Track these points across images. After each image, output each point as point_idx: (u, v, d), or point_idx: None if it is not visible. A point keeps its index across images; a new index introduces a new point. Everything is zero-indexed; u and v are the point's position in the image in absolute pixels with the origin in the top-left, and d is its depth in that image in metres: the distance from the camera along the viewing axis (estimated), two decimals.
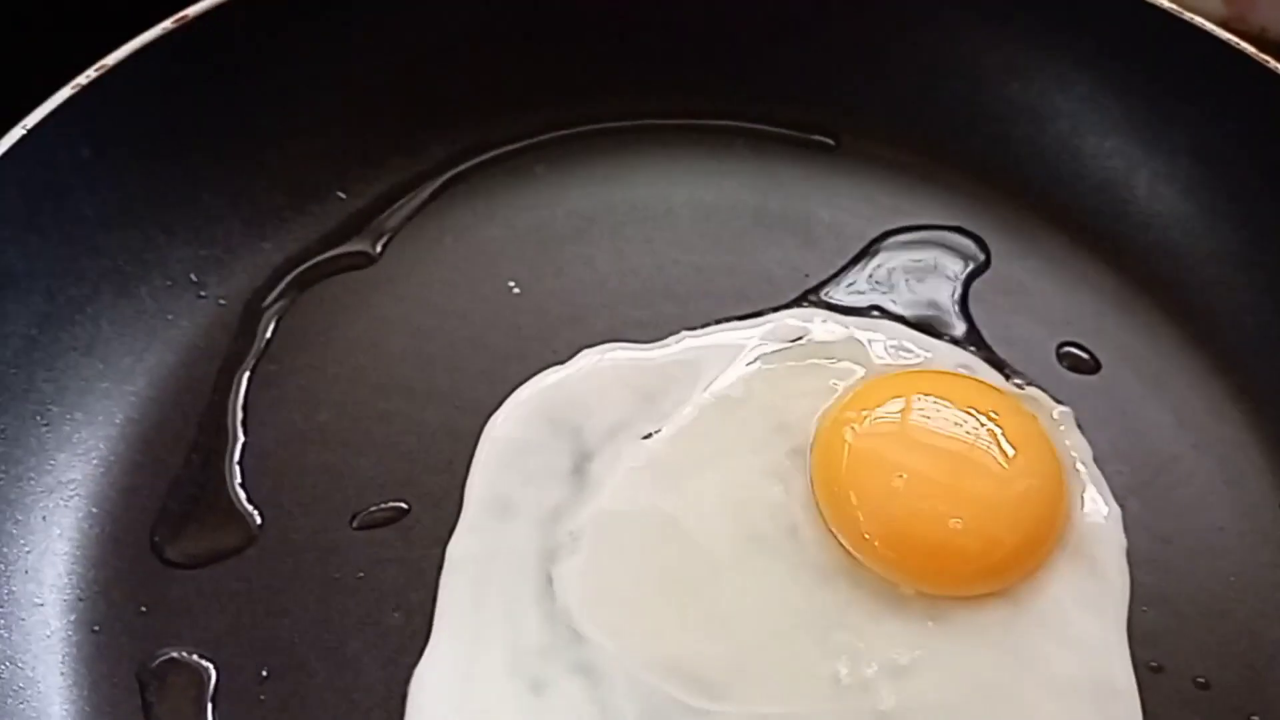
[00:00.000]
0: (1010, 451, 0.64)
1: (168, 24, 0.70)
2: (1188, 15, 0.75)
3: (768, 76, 0.83)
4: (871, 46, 0.81)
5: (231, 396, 0.69)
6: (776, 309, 0.74)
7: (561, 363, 0.71)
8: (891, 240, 0.78)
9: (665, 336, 0.72)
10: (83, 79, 0.67)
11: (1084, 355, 0.73)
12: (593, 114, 0.82)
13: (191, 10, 0.71)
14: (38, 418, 0.65)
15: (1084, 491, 0.66)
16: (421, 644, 0.60)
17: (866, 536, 0.62)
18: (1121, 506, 0.66)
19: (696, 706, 0.58)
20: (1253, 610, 0.64)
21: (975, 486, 0.63)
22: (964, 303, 0.75)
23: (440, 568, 0.63)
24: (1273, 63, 0.72)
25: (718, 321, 0.73)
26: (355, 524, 0.65)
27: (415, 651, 0.60)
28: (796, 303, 0.74)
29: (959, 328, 0.74)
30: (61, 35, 0.77)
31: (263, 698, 0.59)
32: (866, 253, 0.77)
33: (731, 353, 0.71)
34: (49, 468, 0.65)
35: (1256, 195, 0.74)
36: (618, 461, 0.66)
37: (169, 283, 0.72)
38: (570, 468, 0.66)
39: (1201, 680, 0.61)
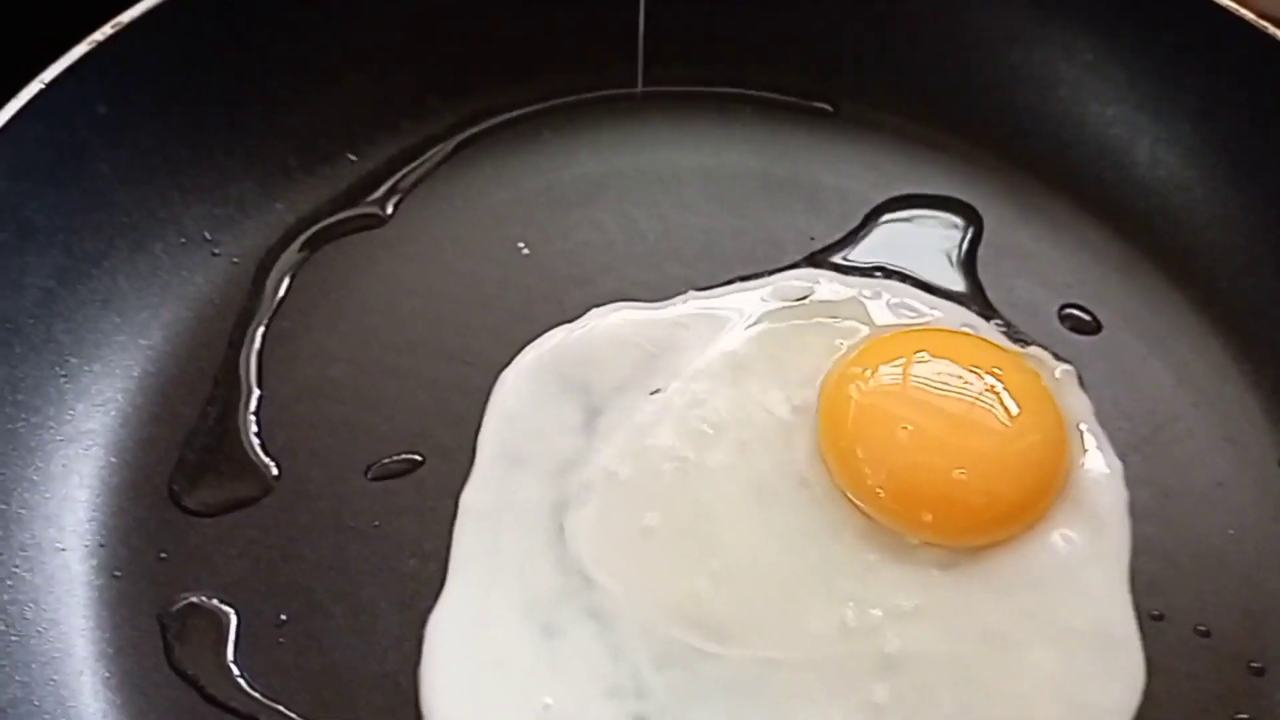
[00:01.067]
0: (1013, 407, 0.65)
1: None
2: None
3: (772, 43, 0.83)
4: (874, 13, 0.82)
5: (245, 351, 0.70)
6: (782, 269, 0.75)
7: (570, 321, 0.72)
8: (896, 204, 0.79)
9: (672, 296, 0.73)
10: (99, 35, 0.68)
11: (1086, 317, 0.74)
12: (601, 80, 0.83)
13: None
14: (56, 369, 0.66)
15: (1086, 447, 0.67)
16: (437, 590, 0.62)
17: (873, 488, 0.63)
18: (1123, 462, 0.67)
19: (706, 650, 0.59)
20: (1251, 562, 0.65)
21: (979, 440, 0.64)
22: (968, 265, 0.76)
23: (454, 517, 0.64)
24: (1272, 29, 0.73)
25: (725, 282, 0.74)
26: (370, 475, 0.66)
27: (431, 597, 0.61)
28: (802, 264, 0.75)
29: (963, 289, 0.75)
30: None
31: (281, 640, 0.60)
32: (871, 216, 0.78)
33: (738, 312, 0.72)
34: (68, 417, 0.66)
35: (1257, 161, 0.75)
36: (626, 416, 0.67)
37: (183, 240, 0.73)
38: (580, 422, 0.67)
39: (1202, 628, 0.63)
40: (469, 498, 0.64)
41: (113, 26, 0.69)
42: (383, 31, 0.79)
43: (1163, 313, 0.74)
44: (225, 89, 0.74)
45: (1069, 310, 0.74)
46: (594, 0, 0.82)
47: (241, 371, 0.69)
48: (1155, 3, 0.77)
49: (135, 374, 0.68)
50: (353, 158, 0.78)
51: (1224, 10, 0.75)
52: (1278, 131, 0.74)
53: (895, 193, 0.79)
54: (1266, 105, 0.74)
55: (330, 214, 0.76)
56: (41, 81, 0.66)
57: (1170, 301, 0.75)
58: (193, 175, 0.73)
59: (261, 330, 0.71)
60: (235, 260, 0.73)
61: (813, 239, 0.77)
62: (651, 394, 0.68)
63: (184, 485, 0.65)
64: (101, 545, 0.63)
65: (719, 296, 0.73)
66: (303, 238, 0.75)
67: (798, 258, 0.76)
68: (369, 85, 0.79)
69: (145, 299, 0.70)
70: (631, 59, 0.84)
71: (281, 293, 0.73)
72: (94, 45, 0.68)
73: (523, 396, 0.69)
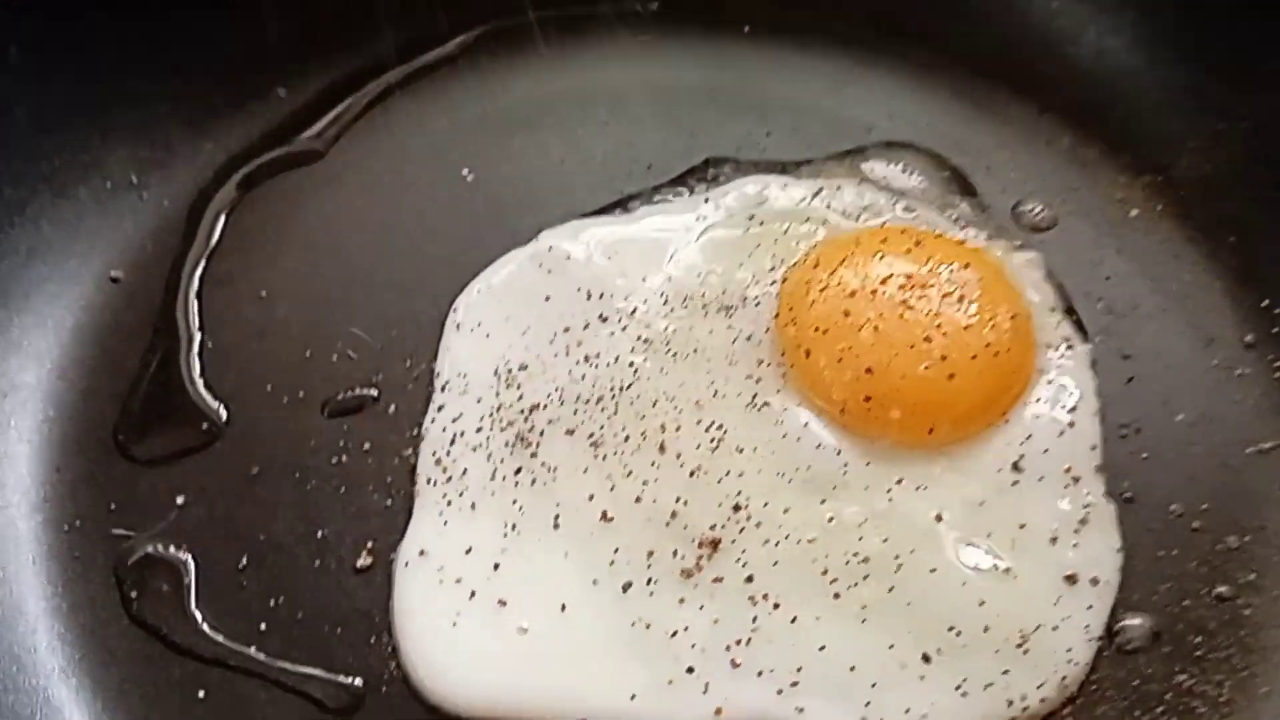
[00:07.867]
0: (976, 301, 0.64)
1: None
2: None
3: None
4: None
5: (182, 296, 0.68)
6: (736, 178, 0.73)
7: (522, 245, 0.70)
8: (850, 112, 0.77)
9: (625, 212, 0.71)
10: None
11: (1042, 211, 0.73)
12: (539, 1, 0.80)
13: None
14: None
15: (1050, 337, 0.67)
16: (404, 522, 0.60)
17: (839, 391, 0.62)
18: (1087, 349, 0.67)
19: (687, 567, 0.58)
20: (1218, 440, 0.65)
21: (943, 336, 0.63)
22: (925, 167, 0.75)
23: (416, 448, 0.62)
24: None
25: (677, 195, 0.72)
26: (325, 412, 0.64)
27: (398, 530, 0.60)
28: (755, 170, 0.73)
29: (919, 189, 0.74)
30: None
31: (245, 584, 0.59)
32: (827, 122, 0.77)
33: (694, 222, 0.70)
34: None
35: (1199, 41, 0.75)
36: (587, 335, 0.65)
37: (109, 185, 0.70)
38: (539, 342, 0.65)
39: (1175, 508, 0.63)
40: (430, 427, 0.63)
41: None
42: None
43: (1116, 202, 0.74)
44: (141, 25, 0.71)
45: (1022, 207, 0.74)
46: None
47: (180, 316, 0.67)
48: None
49: (69, 325, 0.66)
50: (282, 92, 0.75)
51: None
52: (1218, 8, 0.73)
53: (848, 99, 0.78)
54: None
55: (263, 151, 0.74)
56: None
57: (1124, 189, 0.74)
58: (114, 117, 0.70)
59: (199, 273, 0.68)
60: (165, 203, 0.71)
61: (765, 149, 0.75)
62: (611, 311, 0.66)
63: (130, 435, 0.63)
64: (46, 500, 0.61)
65: (673, 209, 0.72)
66: (236, 177, 0.73)
67: (751, 166, 0.74)
68: (295, 18, 0.76)
69: (72, 247, 0.67)
70: None
71: (217, 234, 0.70)
72: None
73: (479, 323, 0.67)
